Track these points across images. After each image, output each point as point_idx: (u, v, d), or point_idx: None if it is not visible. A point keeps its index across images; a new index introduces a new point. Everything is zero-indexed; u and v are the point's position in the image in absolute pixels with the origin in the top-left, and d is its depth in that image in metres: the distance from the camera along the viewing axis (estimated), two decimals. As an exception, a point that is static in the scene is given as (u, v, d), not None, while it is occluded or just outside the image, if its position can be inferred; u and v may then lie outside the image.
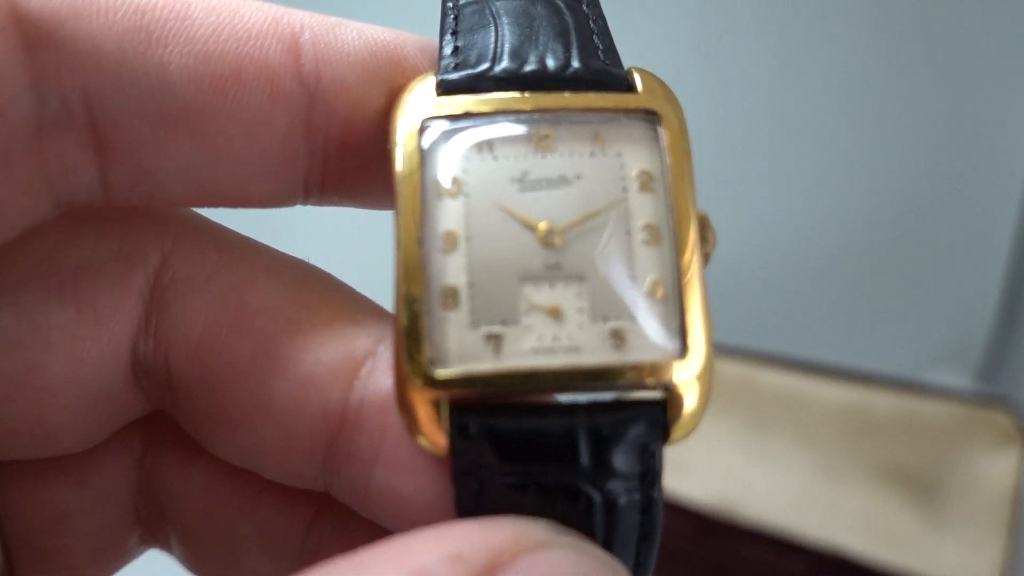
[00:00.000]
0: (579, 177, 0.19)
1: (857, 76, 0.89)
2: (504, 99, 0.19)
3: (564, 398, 0.18)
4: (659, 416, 0.18)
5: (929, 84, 0.89)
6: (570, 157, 0.19)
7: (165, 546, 0.25)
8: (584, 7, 0.21)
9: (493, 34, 0.20)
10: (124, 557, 0.25)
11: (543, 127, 0.19)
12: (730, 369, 0.86)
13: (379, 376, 0.20)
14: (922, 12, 0.86)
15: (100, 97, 0.18)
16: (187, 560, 0.25)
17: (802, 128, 0.92)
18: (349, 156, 0.20)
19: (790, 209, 0.94)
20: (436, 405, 0.18)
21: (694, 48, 0.91)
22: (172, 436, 0.23)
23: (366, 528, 0.21)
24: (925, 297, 0.94)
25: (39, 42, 0.17)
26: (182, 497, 0.23)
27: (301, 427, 0.20)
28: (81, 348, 0.20)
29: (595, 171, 0.19)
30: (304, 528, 0.23)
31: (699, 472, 0.84)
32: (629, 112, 0.19)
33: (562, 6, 0.21)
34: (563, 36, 0.20)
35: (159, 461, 0.24)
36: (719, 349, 0.87)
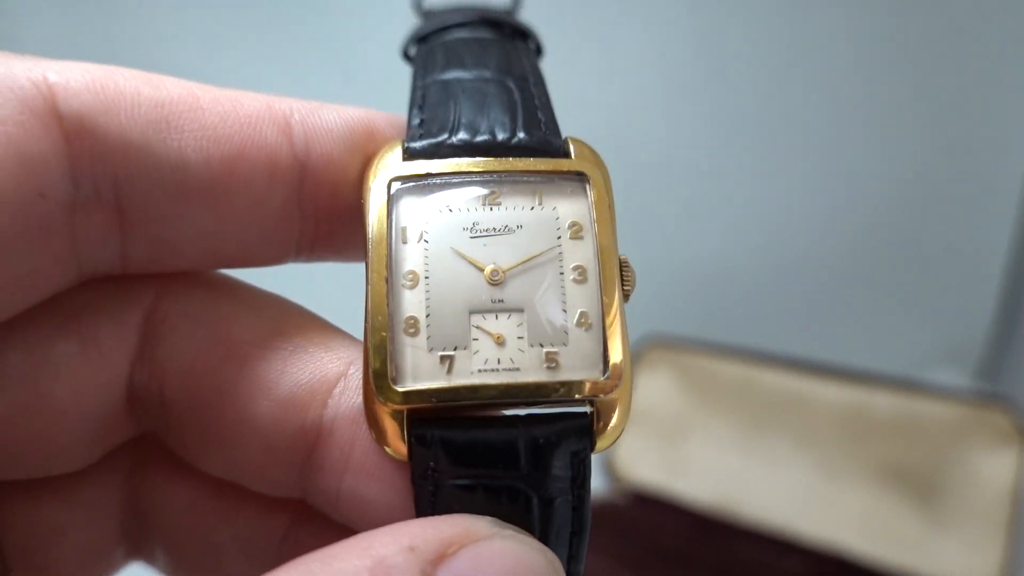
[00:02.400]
0: (521, 227, 0.22)
1: (859, 78, 0.89)
2: (459, 163, 0.22)
3: (508, 413, 0.21)
4: (587, 428, 0.21)
5: (929, 85, 0.89)
6: (514, 211, 0.22)
7: (149, 558, 0.27)
8: (531, 87, 0.25)
9: (452, 109, 0.24)
10: (110, 570, 0.27)
11: (491, 185, 0.22)
12: (730, 369, 0.86)
13: (349, 395, 0.22)
14: (922, 12, 0.86)
15: (127, 180, 0.21)
16: (171, 570, 0.27)
17: (801, 129, 0.92)
18: (335, 218, 0.24)
19: (790, 210, 0.94)
20: (399, 417, 0.21)
21: (696, 49, 0.91)
22: (156, 457, 0.26)
23: (338, 533, 0.23)
24: (925, 297, 0.94)
25: (76, 134, 0.20)
26: (167, 511, 0.26)
27: (282, 442, 0.23)
28: (85, 378, 0.22)
29: (534, 222, 0.22)
30: (281, 535, 0.26)
31: (699, 472, 0.84)
32: (563, 174, 0.23)
33: (512, 86, 0.25)
34: (511, 111, 0.24)
35: (145, 480, 0.26)
36: (719, 349, 0.87)
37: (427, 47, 0.27)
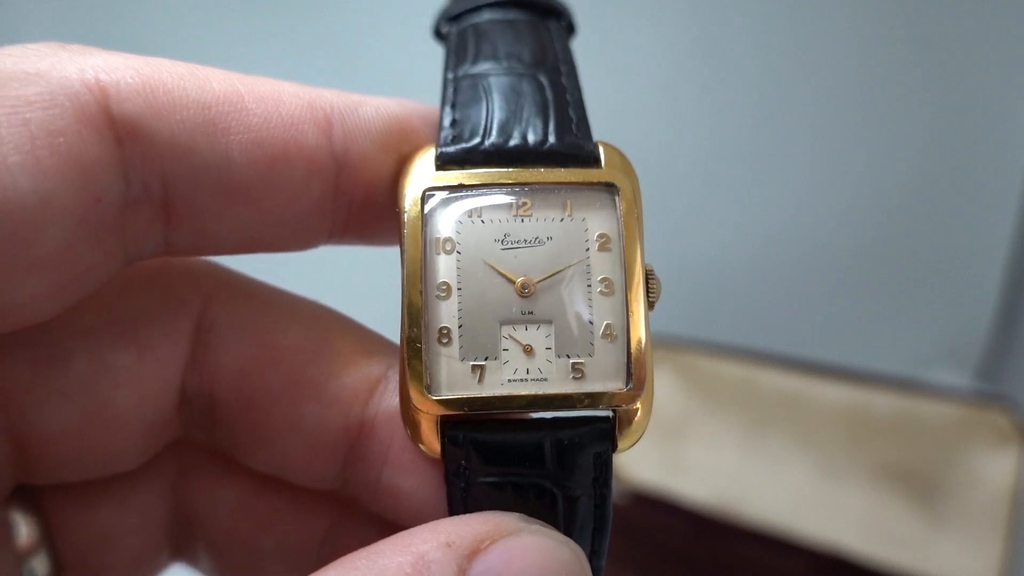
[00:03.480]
0: (551, 239, 0.23)
1: (858, 79, 0.89)
2: (491, 173, 0.23)
3: (535, 415, 0.22)
4: (609, 432, 0.22)
5: (929, 85, 0.89)
6: (544, 222, 0.23)
7: (192, 560, 0.29)
8: (563, 80, 0.25)
9: (485, 109, 0.24)
10: (157, 571, 0.28)
11: (522, 197, 0.23)
12: (730, 369, 0.86)
13: (389, 396, 0.24)
14: (922, 12, 0.86)
15: (175, 179, 0.22)
16: (216, 572, 0.29)
17: (801, 130, 0.92)
18: (367, 208, 0.25)
19: (791, 210, 0.94)
20: (432, 420, 0.22)
21: (697, 48, 0.91)
22: (201, 463, 0.27)
23: (377, 535, 0.25)
24: (925, 297, 0.94)
25: (127, 137, 0.21)
26: (212, 516, 0.27)
27: (327, 439, 0.24)
28: (142, 385, 0.24)
29: (564, 234, 0.23)
30: (321, 537, 0.27)
31: (699, 472, 0.84)
32: (592, 185, 0.23)
33: (544, 82, 0.25)
34: (543, 112, 0.24)
35: (190, 485, 0.27)
36: (720, 349, 0.87)
37: (458, 29, 0.27)
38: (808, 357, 0.84)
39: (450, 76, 0.25)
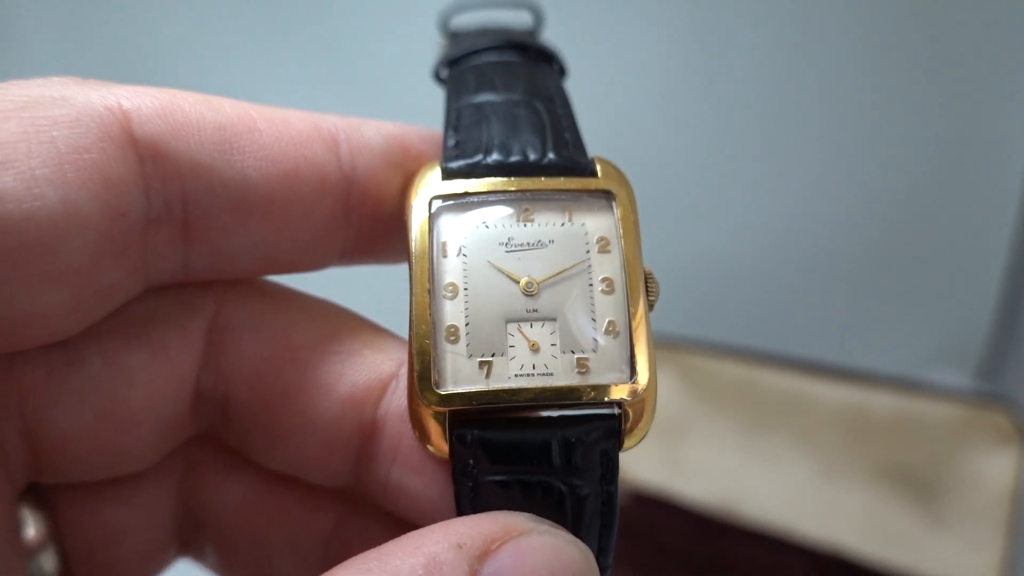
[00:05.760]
0: (552, 242, 0.24)
1: (858, 80, 0.89)
2: (494, 182, 0.24)
3: (542, 414, 0.23)
4: (615, 428, 0.23)
5: (929, 84, 0.89)
6: (545, 226, 0.24)
7: (198, 556, 0.29)
8: (557, 108, 0.26)
9: (485, 131, 0.25)
10: (163, 567, 0.29)
11: (525, 203, 0.24)
12: (730, 369, 0.86)
13: (399, 395, 0.24)
14: (923, 12, 0.86)
15: (195, 197, 0.23)
16: (222, 567, 0.29)
17: (800, 131, 0.92)
18: (376, 226, 0.26)
19: (791, 210, 0.94)
20: (440, 419, 0.22)
21: (695, 47, 0.91)
22: (208, 457, 0.28)
23: (383, 532, 0.26)
24: (925, 297, 0.94)
25: (149, 157, 0.22)
26: (219, 510, 0.28)
27: (341, 437, 0.25)
28: (157, 385, 0.24)
29: (565, 237, 0.24)
30: (327, 534, 0.27)
31: (699, 472, 0.84)
32: (591, 192, 0.24)
33: (540, 108, 0.26)
34: (540, 132, 0.25)
35: (197, 481, 0.28)
36: (719, 349, 0.87)
37: (458, 70, 0.28)
38: (808, 357, 0.84)
39: (453, 105, 0.27)
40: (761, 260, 0.95)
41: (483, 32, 0.30)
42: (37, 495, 0.25)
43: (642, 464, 0.86)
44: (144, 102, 0.22)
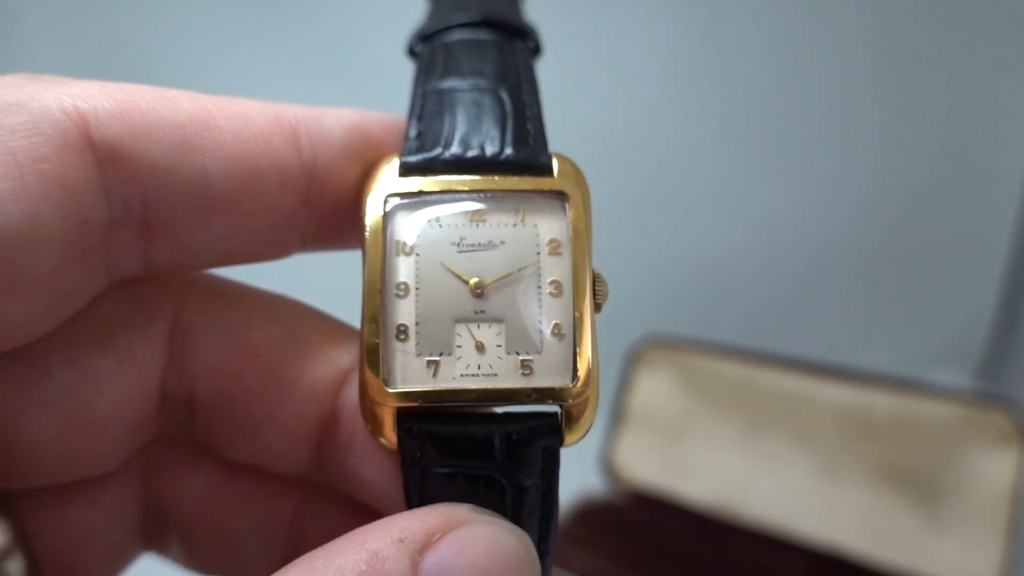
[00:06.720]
0: (503, 243, 0.24)
1: (858, 80, 0.89)
2: (449, 181, 0.25)
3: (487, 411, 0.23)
4: (556, 426, 0.23)
5: (929, 85, 0.89)
6: (497, 227, 0.24)
7: (162, 549, 0.30)
8: (523, 96, 0.26)
9: (447, 123, 0.25)
10: (129, 562, 0.29)
11: (478, 203, 0.24)
12: (730, 369, 0.86)
13: (354, 387, 0.25)
14: (924, 12, 0.86)
15: (155, 198, 0.23)
16: (186, 558, 0.29)
17: (800, 131, 0.92)
18: (336, 215, 0.26)
19: (791, 210, 0.94)
20: (389, 413, 0.23)
21: (697, 48, 0.91)
22: (168, 454, 0.28)
23: (340, 515, 0.28)
24: (925, 297, 0.94)
25: (108, 160, 0.22)
26: (182, 504, 0.28)
27: (303, 430, 0.25)
28: (123, 389, 0.25)
29: (516, 239, 0.24)
30: (289, 518, 0.28)
31: (699, 472, 0.84)
32: (544, 192, 0.25)
33: (505, 97, 0.26)
34: (501, 124, 0.25)
35: (159, 477, 0.28)
36: (719, 349, 0.87)
37: (430, 48, 0.28)
38: (808, 357, 0.84)
39: (419, 91, 0.27)
40: (761, 260, 0.95)
41: (461, 5, 0.29)
42: (2, 501, 0.25)
43: (642, 464, 0.86)
44: (101, 103, 0.22)
